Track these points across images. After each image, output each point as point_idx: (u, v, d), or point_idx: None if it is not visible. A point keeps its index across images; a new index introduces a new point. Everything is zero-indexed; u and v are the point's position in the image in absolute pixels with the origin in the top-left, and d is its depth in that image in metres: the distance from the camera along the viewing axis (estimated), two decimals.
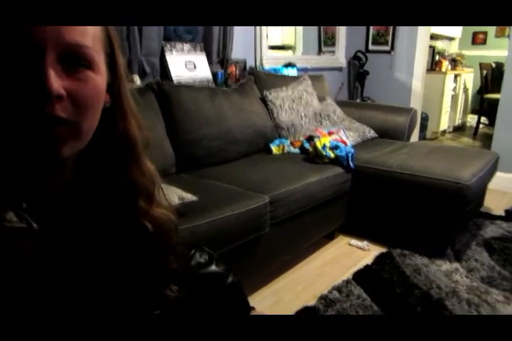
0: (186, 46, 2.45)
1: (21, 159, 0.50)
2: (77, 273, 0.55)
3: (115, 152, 0.60)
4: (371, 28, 3.99)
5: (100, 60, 0.53)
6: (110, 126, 0.58)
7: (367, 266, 2.07)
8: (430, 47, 4.76)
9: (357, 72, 4.06)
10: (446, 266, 2.08)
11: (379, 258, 2.15)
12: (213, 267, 0.86)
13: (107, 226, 0.60)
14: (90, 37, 0.51)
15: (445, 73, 5.16)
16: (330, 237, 2.38)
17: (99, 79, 0.53)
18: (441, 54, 5.57)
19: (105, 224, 0.60)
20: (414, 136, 3.82)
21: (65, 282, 0.53)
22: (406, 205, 2.23)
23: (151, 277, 0.65)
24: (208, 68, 2.53)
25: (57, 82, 0.47)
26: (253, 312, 0.89)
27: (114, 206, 0.61)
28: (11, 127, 0.47)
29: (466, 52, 6.41)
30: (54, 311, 0.51)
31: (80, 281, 0.55)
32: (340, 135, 2.38)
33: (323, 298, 1.80)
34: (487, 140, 4.49)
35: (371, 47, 4.03)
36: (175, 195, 1.46)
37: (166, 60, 2.32)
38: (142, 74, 2.23)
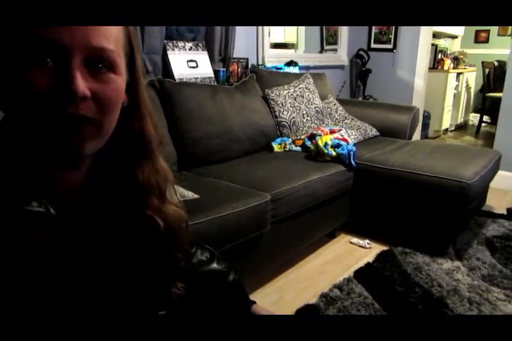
0: (188, 44, 2.45)
1: (45, 155, 0.53)
2: (87, 265, 0.56)
3: (130, 150, 0.62)
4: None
5: (121, 62, 0.56)
6: (127, 125, 0.60)
7: (368, 264, 2.07)
8: (432, 45, 4.74)
9: (359, 70, 4.05)
10: (447, 264, 2.08)
11: (380, 257, 2.15)
12: (214, 265, 0.87)
13: (120, 221, 0.62)
14: (114, 40, 0.53)
15: (447, 71, 5.15)
16: (331, 235, 2.38)
17: (120, 80, 0.55)
18: (444, 52, 5.55)
19: (118, 219, 0.62)
20: (416, 135, 3.82)
21: (75, 273, 0.54)
22: (408, 204, 2.23)
23: (159, 274, 0.65)
24: (210, 66, 2.53)
25: (82, 84, 0.49)
26: (254, 307, 0.89)
27: (127, 202, 0.62)
28: (37, 125, 0.50)
29: (469, 51, 6.40)
30: (61, 304, 0.51)
31: (89, 274, 0.56)
32: (342, 133, 2.38)
33: (324, 296, 1.80)
34: (489, 138, 4.49)
35: (373, 45, 4.03)
36: (176, 192, 1.47)
37: (168, 58, 2.32)
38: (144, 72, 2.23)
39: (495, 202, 2.89)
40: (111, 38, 0.53)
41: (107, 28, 0.52)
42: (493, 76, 5.46)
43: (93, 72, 0.51)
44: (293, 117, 2.57)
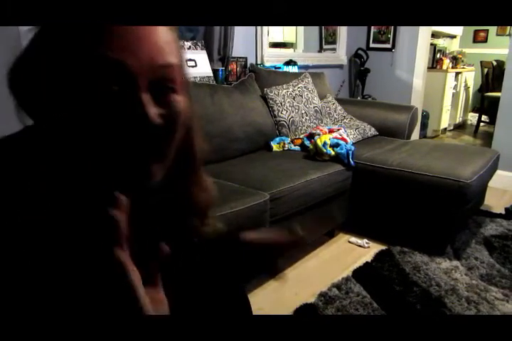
0: (187, 44, 2.44)
1: (115, 182, 0.50)
2: None
3: (180, 166, 0.58)
4: None
5: (180, 79, 0.52)
6: (181, 142, 0.56)
7: (366, 264, 2.07)
8: (431, 45, 4.75)
9: (358, 69, 4.06)
10: (445, 263, 2.09)
11: (379, 256, 2.15)
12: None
13: (164, 235, 0.59)
14: (176, 56, 0.51)
15: (446, 71, 5.15)
16: (330, 235, 2.38)
17: (183, 100, 0.52)
18: (443, 52, 5.56)
19: (162, 233, 0.59)
20: (415, 134, 3.83)
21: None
22: (406, 203, 2.23)
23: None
24: (209, 66, 2.53)
25: (153, 111, 0.47)
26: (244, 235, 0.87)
27: (172, 219, 0.59)
28: (105, 154, 0.47)
29: (467, 50, 6.41)
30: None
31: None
32: (340, 133, 2.38)
33: (322, 296, 1.80)
34: (488, 138, 4.49)
35: (372, 44, 4.03)
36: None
37: None
38: None
39: (493, 201, 2.90)
40: (174, 52, 0.50)
41: (169, 42, 0.49)
42: (492, 75, 5.47)
43: (158, 95, 0.49)
44: (292, 116, 2.57)
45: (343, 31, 3.91)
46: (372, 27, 3.98)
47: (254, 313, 0.88)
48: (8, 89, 0.51)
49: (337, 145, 2.23)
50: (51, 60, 0.47)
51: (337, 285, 1.88)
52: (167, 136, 0.50)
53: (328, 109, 2.92)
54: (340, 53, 3.97)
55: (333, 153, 2.20)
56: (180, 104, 0.51)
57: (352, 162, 2.22)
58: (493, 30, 6.57)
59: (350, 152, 2.21)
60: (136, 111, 0.46)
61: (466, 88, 5.99)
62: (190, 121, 0.57)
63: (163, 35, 0.50)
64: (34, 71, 0.48)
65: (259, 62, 3.03)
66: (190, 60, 2.44)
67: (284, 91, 2.60)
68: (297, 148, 2.45)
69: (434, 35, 5.12)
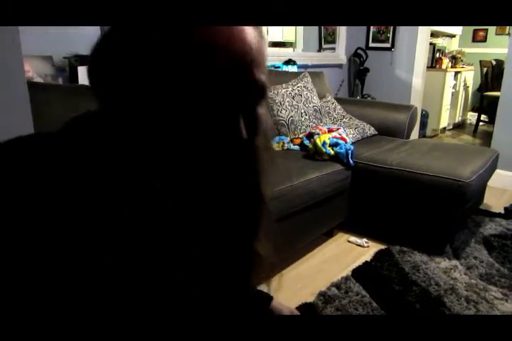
0: None
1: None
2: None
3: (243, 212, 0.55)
4: None
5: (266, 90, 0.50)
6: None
7: (366, 263, 2.07)
8: (430, 44, 4.75)
9: (357, 69, 4.06)
10: (445, 263, 2.09)
11: (378, 255, 2.15)
12: None
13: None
14: (265, 63, 0.49)
15: (445, 70, 5.16)
16: (329, 234, 2.38)
17: (265, 113, 0.50)
18: (442, 51, 5.56)
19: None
20: (414, 134, 3.83)
21: None
22: (405, 203, 2.24)
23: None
24: None
25: (243, 126, 0.45)
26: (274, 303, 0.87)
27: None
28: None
29: (467, 50, 6.41)
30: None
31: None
32: (340, 132, 2.38)
33: (322, 295, 1.80)
34: (487, 137, 4.50)
35: (372, 44, 4.03)
36: None
37: None
38: None
39: (492, 200, 2.90)
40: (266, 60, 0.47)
41: (263, 54, 0.47)
42: (491, 75, 5.48)
43: (247, 109, 0.47)
44: (291, 116, 2.57)
45: (342, 31, 3.91)
46: (372, 26, 3.98)
47: None
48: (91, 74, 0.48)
49: (336, 144, 2.23)
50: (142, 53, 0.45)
51: (336, 285, 1.88)
52: (247, 152, 0.48)
53: (327, 108, 2.92)
54: (340, 53, 3.97)
55: (332, 152, 2.21)
56: (266, 116, 0.49)
57: (351, 161, 2.22)
58: (492, 29, 6.57)
59: (350, 151, 2.22)
60: (227, 126, 0.44)
61: (466, 87, 5.99)
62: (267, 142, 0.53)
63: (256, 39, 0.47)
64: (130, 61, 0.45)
65: None
66: None
67: (284, 90, 2.60)
68: (296, 147, 2.45)
69: (433, 34, 5.13)
